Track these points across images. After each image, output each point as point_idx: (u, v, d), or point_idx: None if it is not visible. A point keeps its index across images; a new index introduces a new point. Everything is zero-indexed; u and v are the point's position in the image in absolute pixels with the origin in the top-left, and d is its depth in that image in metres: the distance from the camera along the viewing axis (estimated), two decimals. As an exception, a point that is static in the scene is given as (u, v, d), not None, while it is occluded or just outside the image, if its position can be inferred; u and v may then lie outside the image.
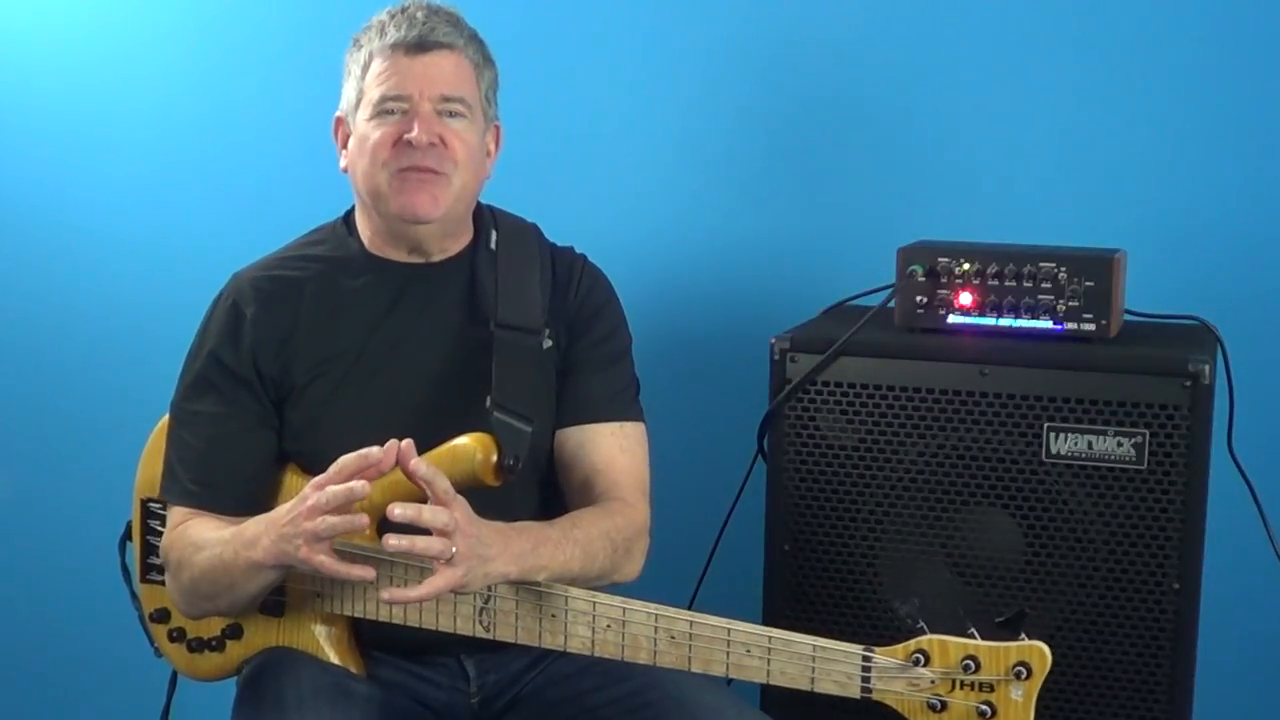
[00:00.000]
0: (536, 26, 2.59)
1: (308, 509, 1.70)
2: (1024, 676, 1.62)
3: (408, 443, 1.70)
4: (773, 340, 2.09)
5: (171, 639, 2.05)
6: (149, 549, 2.07)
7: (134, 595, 2.12)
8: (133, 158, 2.82)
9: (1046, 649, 1.62)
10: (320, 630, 1.93)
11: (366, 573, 1.72)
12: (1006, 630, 1.65)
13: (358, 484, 1.68)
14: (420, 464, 1.69)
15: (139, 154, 2.81)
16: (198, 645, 2.02)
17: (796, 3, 2.49)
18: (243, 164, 2.75)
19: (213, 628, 2.00)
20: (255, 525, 1.80)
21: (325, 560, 1.70)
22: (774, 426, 2.10)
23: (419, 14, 1.95)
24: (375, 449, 1.70)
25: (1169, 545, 1.95)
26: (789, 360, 2.08)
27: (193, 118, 2.78)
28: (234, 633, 1.98)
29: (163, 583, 2.03)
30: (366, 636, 1.95)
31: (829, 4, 2.47)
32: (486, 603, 1.80)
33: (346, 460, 1.71)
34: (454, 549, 1.66)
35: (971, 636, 1.64)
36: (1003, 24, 2.40)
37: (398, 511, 1.65)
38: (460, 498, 1.70)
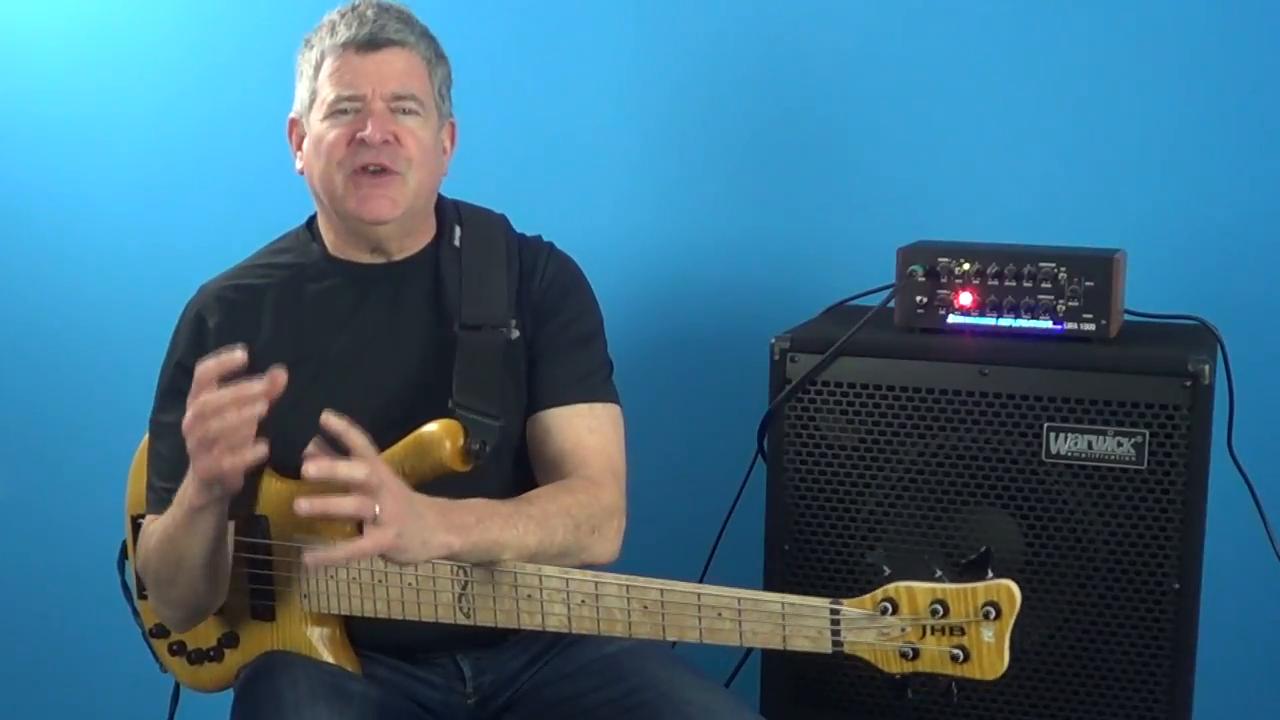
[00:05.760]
0: (542, 25, 2.59)
1: (189, 421, 1.67)
2: (993, 617, 1.59)
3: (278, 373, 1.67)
4: (773, 340, 2.09)
5: (172, 652, 2.04)
6: None
7: (135, 612, 2.12)
8: (138, 163, 2.82)
9: (1014, 586, 1.59)
10: (314, 632, 1.93)
11: (257, 450, 1.67)
12: (972, 571, 1.62)
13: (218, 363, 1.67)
14: (331, 417, 1.65)
15: (144, 159, 2.81)
16: (197, 657, 2.02)
17: (799, 1, 2.49)
18: (247, 169, 2.75)
19: (210, 637, 1.99)
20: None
21: (225, 462, 1.67)
22: (774, 426, 2.10)
23: (369, 12, 1.95)
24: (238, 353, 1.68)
25: (1169, 545, 1.95)
26: (789, 360, 2.08)
27: (192, 121, 2.78)
28: (230, 641, 1.98)
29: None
30: (360, 638, 1.95)
31: (831, 2, 2.47)
32: (464, 588, 1.80)
33: (206, 367, 1.68)
34: (377, 507, 1.62)
35: (939, 580, 1.61)
36: (1003, 24, 2.40)
37: (311, 470, 1.61)
38: (378, 459, 1.66)
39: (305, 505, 1.62)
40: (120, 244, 2.84)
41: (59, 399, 2.93)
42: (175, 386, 1.96)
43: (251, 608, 1.94)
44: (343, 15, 1.95)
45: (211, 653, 2.00)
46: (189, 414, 1.68)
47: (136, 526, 2.05)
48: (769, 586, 2.11)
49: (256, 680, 1.91)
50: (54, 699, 3.01)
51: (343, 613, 1.89)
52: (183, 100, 2.78)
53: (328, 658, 1.92)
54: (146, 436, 2.05)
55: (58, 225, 2.88)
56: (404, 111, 1.94)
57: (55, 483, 2.95)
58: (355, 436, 1.65)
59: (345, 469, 1.62)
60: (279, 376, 1.68)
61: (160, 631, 2.05)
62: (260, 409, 1.67)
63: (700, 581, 2.35)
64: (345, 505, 1.62)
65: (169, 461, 1.93)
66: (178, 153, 2.80)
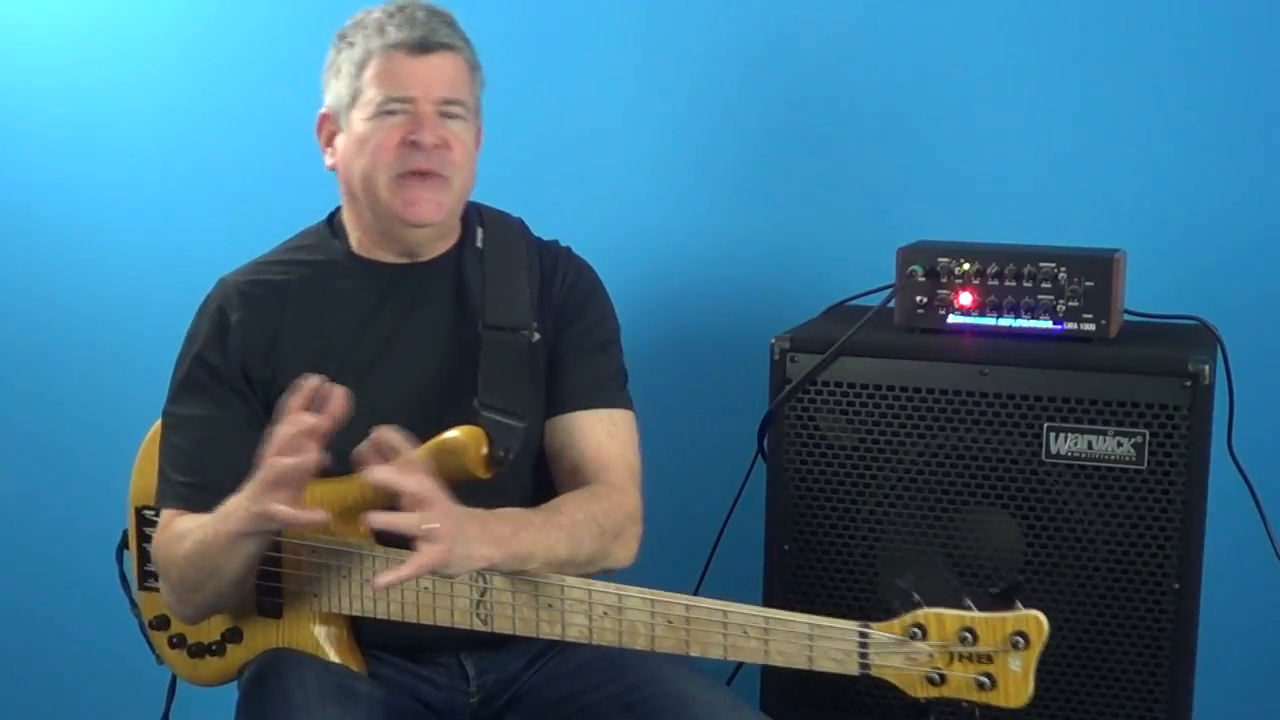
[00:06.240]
0: (545, 30, 2.59)
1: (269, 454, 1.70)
2: (1021, 646, 1.60)
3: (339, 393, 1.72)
4: (773, 340, 2.09)
5: (172, 645, 2.04)
6: (145, 557, 2.07)
7: (134, 604, 2.11)
8: (138, 160, 2.82)
9: (1043, 618, 1.61)
10: (320, 630, 1.93)
11: (316, 515, 1.71)
12: (1002, 600, 1.63)
13: (304, 417, 1.70)
14: (385, 430, 1.69)
15: (144, 156, 2.81)
16: (198, 650, 2.02)
17: (798, 1, 2.49)
18: (248, 166, 2.75)
19: (213, 632, 1.99)
20: (233, 499, 1.78)
21: (279, 509, 1.69)
22: (774, 426, 2.10)
23: (419, 14, 1.94)
24: (314, 378, 1.72)
25: (1169, 545, 1.95)
26: (789, 360, 2.08)
27: (193, 119, 2.78)
28: (234, 636, 1.98)
29: (160, 590, 2.03)
30: (366, 637, 1.95)
31: (830, 2, 2.47)
32: (483, 595, 1.80)
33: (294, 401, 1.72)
34: (435, 524, 1.65)
35: (967, 608, 1.63)
36: (1003, 23, 2.40)
37: (378, 474, 1.66)
38: (425, 474, 1.69)
39: (377, 519, 1.67)
40: (120, 241, 2.84)
41: (59, 394, 2.93)
42: (195, 380, 1.96)
43: (259, 604, 1.94)
44: (390, 15, 1.94)
45: (214, 646, 2.00)
46: (272, 447, 1.70)
47: (141, 518, 2.05)
48: (769, 587, 2.12)
49: (264, 679, 1.90)
50: (49, 691, 3.01)
51: (355, 614, 1.88)
52: (183, 99, 2.78)
53: (334, 657, 1.92)
54: (152, 429, 2.04)
55: (58, 222, 2.88)
56: (451, 116, 1.93)
57: (54, 476, 2.95)
58: (407, 450, 1.68)
59: (403, 479, 1.66)
60: (338, 400, 1.72)
61: (160, 624, 2.05)
62: (314, 458, 1.70)
63: (700, 581, 2.36)
64: (409, 519, 1.66)
65: (185, 455, 1.94)
66: (177, 151, 2.80)
